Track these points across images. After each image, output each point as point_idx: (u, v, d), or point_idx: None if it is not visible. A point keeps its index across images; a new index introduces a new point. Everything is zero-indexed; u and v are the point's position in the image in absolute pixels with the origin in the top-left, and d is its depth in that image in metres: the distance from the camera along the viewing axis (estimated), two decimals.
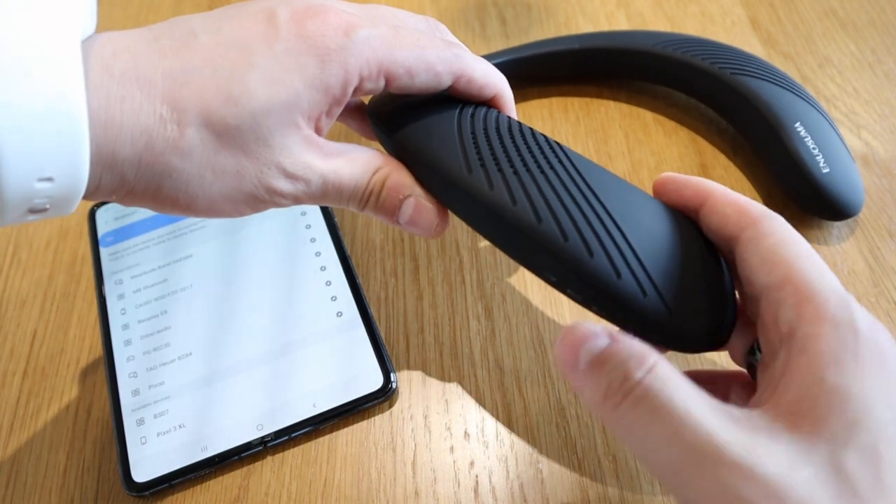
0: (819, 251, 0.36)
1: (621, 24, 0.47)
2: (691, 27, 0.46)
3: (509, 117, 0.27)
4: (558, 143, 0.26)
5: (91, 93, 0.21)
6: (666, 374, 0.21)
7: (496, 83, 0.28)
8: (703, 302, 0.24)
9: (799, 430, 0.19)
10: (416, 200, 0.26)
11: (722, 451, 0.19)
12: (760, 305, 0.22)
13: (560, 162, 0.25)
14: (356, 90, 0.25)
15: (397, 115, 0.28)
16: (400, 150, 0.27)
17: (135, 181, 0.22)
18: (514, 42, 0.46)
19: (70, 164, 0.20)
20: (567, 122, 0.42)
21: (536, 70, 0.43)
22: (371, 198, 0.26)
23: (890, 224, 0.37)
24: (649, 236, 0.24)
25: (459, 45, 0.27)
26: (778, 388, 0.20)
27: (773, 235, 0.22)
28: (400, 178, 0.26)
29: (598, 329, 0.22)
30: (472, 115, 0.27)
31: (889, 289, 0.34)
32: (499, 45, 0.46)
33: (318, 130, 0.25)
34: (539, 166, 0.25)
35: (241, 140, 0.23)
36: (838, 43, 0.44)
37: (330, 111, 0.25)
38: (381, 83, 0.25)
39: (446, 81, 0.26)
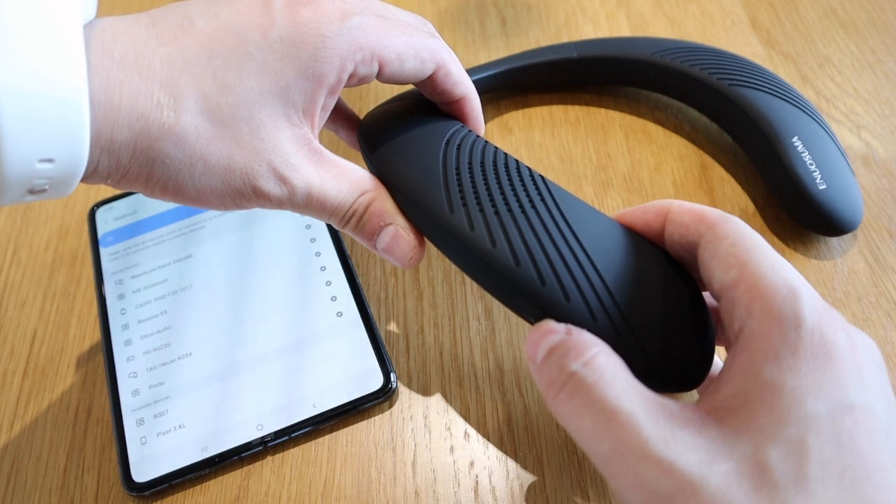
0: (818, 251, 0.36)
1: (621, 24, 0.47)
2: (691, 27, 0.46)
3: (496, 149, 0.27)
4: (542, 177, 0.26)
5: (92, 74, 0.21)
6: (603, 366, 0.21)
7: (468, 84, 0.29)
8: (681, 348, 0.24)
9: (728, 424, 0.19)
10: (396, 230, 0.27)
11: (644, 447, 0.19)
12: (720, 306, 0.23)
13: (542, 200, 0.25)
14: (351, 76, 0.25)
15: (386, 142, 0.28)
16: (386, 180, 0.27)
17: (129, 165, 0.23)
18: (514, 42, 0.46)
19: (70, 144, 0.20)
20: (567, 122, 0.42)
21: (534, 79, 0.42)
22: (353, 219, 0.27)
23: (890, 224, 0.37)
24: (627, 279, 0.24)
25: (441, 40, 0.28)
26: (718, 383, 0.21)
27: (729, 237, 0.23)
28: (384, 204, 0.27)
29: (559, 326, 0.23)
30: (459, 147, 0.27)
31: (889, 289, 0.34)
32: (499, 45, 0.46)
33: (311, 126, 0.25)
34: (521, 205, 0.25)
35: (234, 130, 0.23)
36: (838, 43, 0.44)
37: (325, 103, 0.25)
38: (375, 68, 0.25)
39: (429, 69, 0.27)
